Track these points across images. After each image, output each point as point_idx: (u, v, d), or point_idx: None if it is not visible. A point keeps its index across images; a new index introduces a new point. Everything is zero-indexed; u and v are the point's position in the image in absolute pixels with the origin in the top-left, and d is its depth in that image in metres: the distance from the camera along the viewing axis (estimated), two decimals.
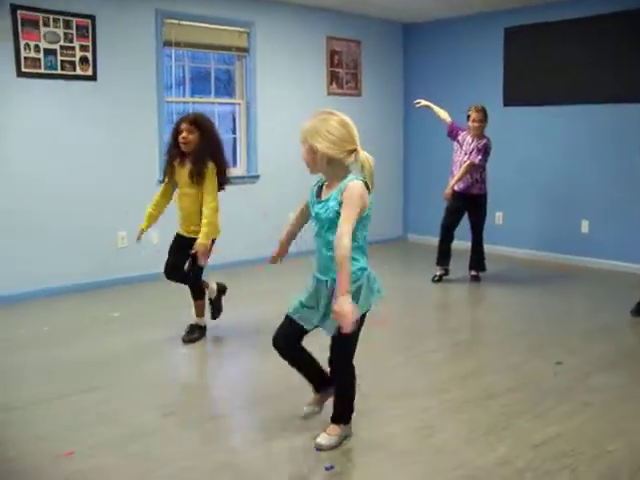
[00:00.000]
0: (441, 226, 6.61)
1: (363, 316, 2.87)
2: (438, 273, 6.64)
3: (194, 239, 4.37)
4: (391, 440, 3.11)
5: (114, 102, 6.40)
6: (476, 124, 6.30)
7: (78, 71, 6.16)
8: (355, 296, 2.76)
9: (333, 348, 3.03)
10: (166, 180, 4.59)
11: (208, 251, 4.38)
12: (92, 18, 6.17)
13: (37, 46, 5.90)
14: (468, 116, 6.36)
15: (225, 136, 7.59)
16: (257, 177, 7.53)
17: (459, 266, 6.67)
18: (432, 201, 7.99)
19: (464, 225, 6.61)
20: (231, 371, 4.33)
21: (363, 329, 2.90)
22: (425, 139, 8.72)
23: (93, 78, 6.25)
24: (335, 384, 3.08)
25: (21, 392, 3.80)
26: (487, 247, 6.73)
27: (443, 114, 6.65)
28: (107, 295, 6.08)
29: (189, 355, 4.54)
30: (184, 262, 4.56)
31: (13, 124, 5.87)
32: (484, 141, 6.31)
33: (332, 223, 2.77)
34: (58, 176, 6.10)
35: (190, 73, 7.27)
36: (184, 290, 4.74)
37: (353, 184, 2.72)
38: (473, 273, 6.66)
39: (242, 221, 7.22)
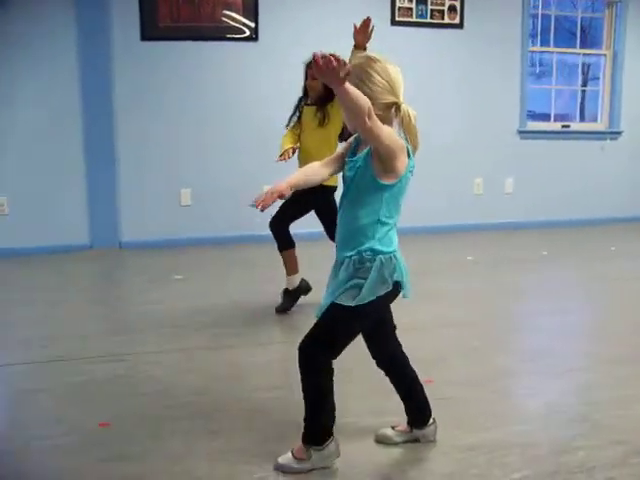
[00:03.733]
0: None
1: (362, 310, 2.12)
2: None
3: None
4: None
5: (478, 50, 6.41)
6: None
7: (446, 19, 6.30)
8: (355, 279, 2.13)
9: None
10: (291, 125, 4.12)
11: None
12: None
13: None
14: None
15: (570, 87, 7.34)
16: (619, 133, 7.03)
17: None
18: None
19: None
20: None
21: None
22: None
23: (460, 26, 6.34)
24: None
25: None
26: None
27: None
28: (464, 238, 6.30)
29: None
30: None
31: None
32: None
33: (356, 189, 2.19)
34: (422, 123, 6.30)
35: (555, 22, 7.02)
36: None
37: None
38: None
39: (599, 177, 6.95)
